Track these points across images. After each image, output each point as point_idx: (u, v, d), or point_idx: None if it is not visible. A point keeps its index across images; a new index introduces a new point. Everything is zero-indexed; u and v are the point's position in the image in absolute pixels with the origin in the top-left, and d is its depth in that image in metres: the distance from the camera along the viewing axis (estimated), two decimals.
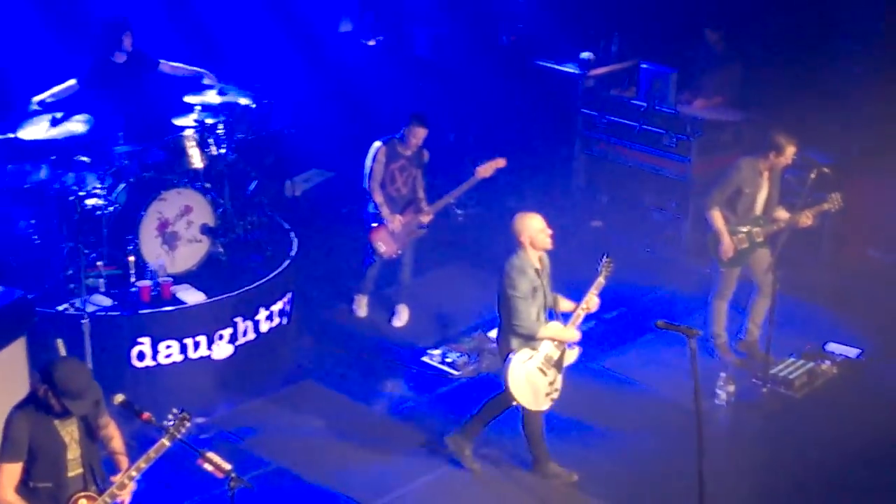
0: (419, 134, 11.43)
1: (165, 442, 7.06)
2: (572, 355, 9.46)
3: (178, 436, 7.07)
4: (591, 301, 9.48)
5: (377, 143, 11.52)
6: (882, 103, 13.15)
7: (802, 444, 10.23)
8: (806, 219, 10.96)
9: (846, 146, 13.10)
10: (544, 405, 9.43)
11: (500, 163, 11.64)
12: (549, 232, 9.34)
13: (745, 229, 11.01)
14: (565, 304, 9.57)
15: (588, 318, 11.81)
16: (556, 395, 9.41)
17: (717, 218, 10.97)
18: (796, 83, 13.32)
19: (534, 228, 9.27)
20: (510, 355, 9.26)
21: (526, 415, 9.52)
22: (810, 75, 13.44)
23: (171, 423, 7.07)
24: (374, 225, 11.65)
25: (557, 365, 9.36)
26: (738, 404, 10.73)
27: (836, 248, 13.05)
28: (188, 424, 7.11)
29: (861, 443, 10.20)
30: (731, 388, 10.72)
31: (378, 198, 11.54)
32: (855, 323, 12.00)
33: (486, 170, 11.59)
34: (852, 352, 11.45)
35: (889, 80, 13.18)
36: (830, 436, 10.32)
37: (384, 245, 11.67)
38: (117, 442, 7.42)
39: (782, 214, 11.06)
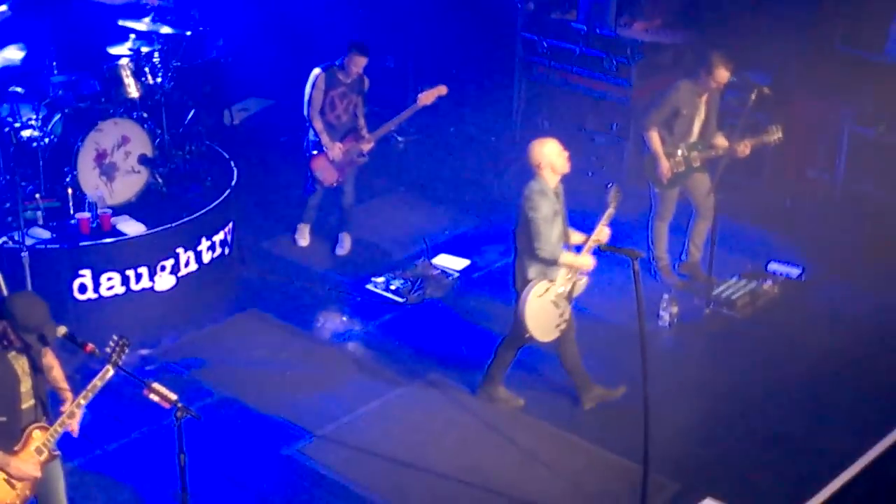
0: (359, 62, 11.34)
1: (110, 369, 7.03)
2: (581, 285, 9.43)
3: (121, 362, 7.04)
4: (602, 232, 9.45)
5: (316, 70, 11.41)
6: (820, 23, 13.17)
7: (745, 364, 10.34)
8: (744, 148, 10.99)
9: (786, 67, 13.11)
10: (553, 336, 9.44)
11: (442, 90, 11.59)
12: (567, 154, 9.27)
13: (681, 152, 11.03)
14: (576, 237, 9.50)
15: None
16: (564, 326, 9.42)
17: (654, 139, 10.99)
18: (735, 3, 13.30)
19: (552, 153, 9.17)
20: (528, 288, 9.22)
21: (516, 341, 9.55)
22: None
23: (113, 349, 7.03)
24: (315, 153, 11.57)
25: (569, 297, 9.36)
26: (682, 325, 10.82)
27: (776, 169, 13.12)
28: (128, 349, 7.09)
29: (802, 362, 10.33)
30: (675, 309, 10.80)
31: (318, 125, 11.45)
32: (796, 243, 12.12)
33: (427, 97, 11.53)
34: (794, 271, 11.56)
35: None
36: (772, 355, 10.44)
37: (324, 173, 11.59)
38: (57, 371, 7.37)
39: (721, 141, 11.09)
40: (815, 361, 10.33)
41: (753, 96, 11.07)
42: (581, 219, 12.30)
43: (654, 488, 8.32)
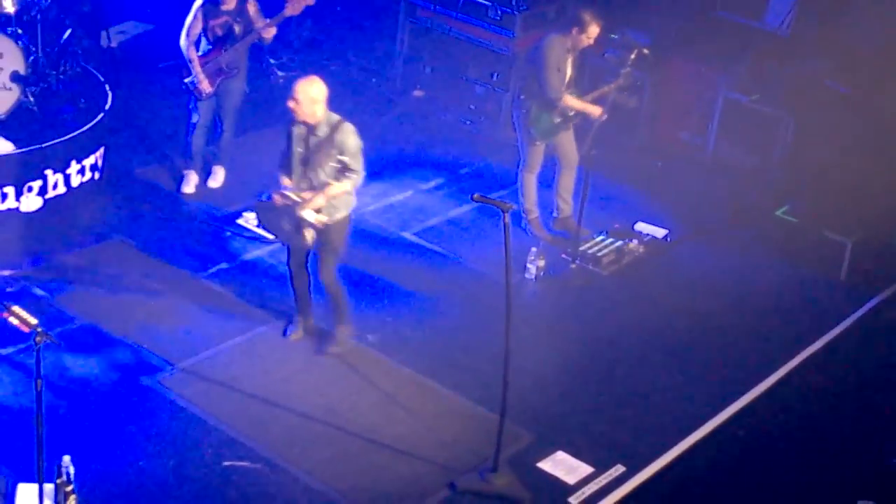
0: None
1: None
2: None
3: None
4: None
5: (198, 2, 11.26)
6: None
7: (607, 321, 10.53)
8: (595, 110, 11.12)
9: (666, 29, 13.27)
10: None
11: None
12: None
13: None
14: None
15: (403, 188, 12.03)
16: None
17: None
18: None
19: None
20: None
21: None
22: None
23: None
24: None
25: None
26: (548, 279, 10.96)
27: (650, 130, 13.31)
28: None
29: (663, 321, 10.55)
30: (542, 262, 10.93)
31: (191, 54, 11.32)
32: (665, 204, 12.31)
33: (293, 6, 11.25)
34: (660, 232, 11.75)
35: None
36: (634, 313, 10.65)
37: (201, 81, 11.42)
38: None
39: (574, 103, 11.15)
40: (675, 321, 10.56)
41: (633, 56, 11.22)
42: (451, 165, 12.46)
43: (509, 437, 8.49)
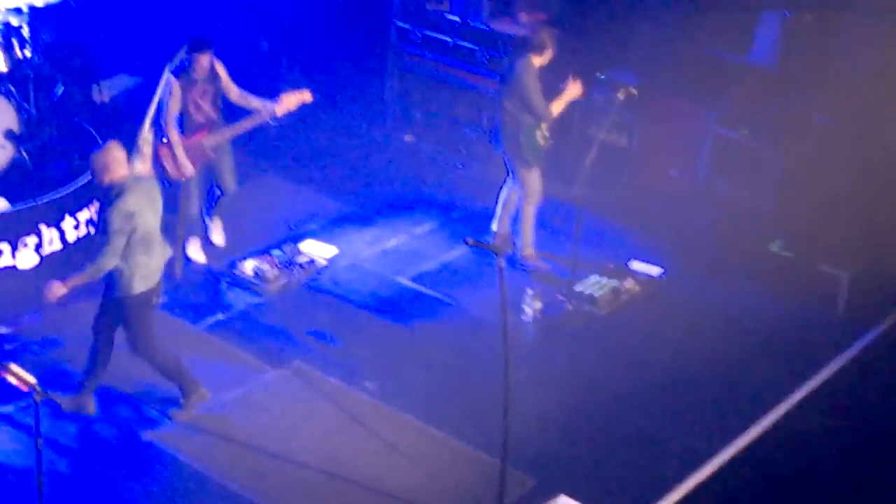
0: (203, 60, 10.78)
1: None
2: None
3: None
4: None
5: (170, 77, 10.82)
6: (688, 25, 13.40)
7: (605, 361, 10.51)
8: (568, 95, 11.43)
9: (652, 68, 13.33)
10: None
11: (306, 96, 11.18)
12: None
13: (543, 129, 11.38)
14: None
15: (396, 233, 12.04)
16: None
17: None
18: (603, 2, 13.49)
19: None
20: None
21: None
22: None
23: None
24: (164, 140, 10.95)
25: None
26: (544, 320, 10.96)
27: (640, 168, 13.33)
28: None
29: (661, 360, 10.53)
30: (538, 304, 10.94)
31: (173, 136, 10.83)
32: (657, 242, 12.31)
33: (288, 101, 11.04)
34: (654, 270, 11.76)
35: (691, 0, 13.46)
36: (632, 353, 10.63)
37: (169, 165, 10.96)
38: None
39: (557, 108, 11.41)
40: (673, 360, 10.54)
41: (621, 95, 11.29)
42: (443, 208, 12.47)
43: (511, 483, 8.46)
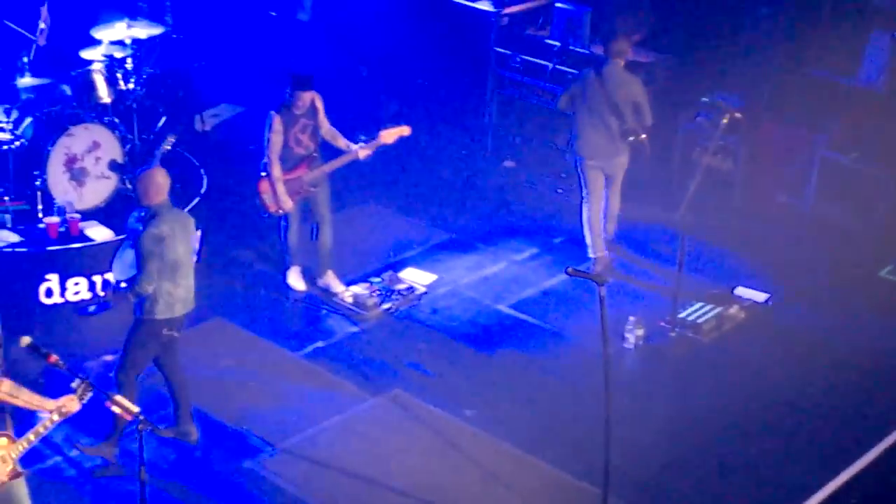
0: (305, 97, 10.86)
1: (74, 406, 7.32)
2: None
3: (85, 399, 7.28)
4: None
5: (272, 113, 10.88)
6: (793, 47, 13.24)
7: (709, 389, 10.34)
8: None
9: (757, 91, 13.17)
10: None
11: (405, 131, 11.24)
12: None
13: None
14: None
15: (497, 259, 11.99)
16: None
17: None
18: (711, 25, 13.36)
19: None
20: None
21: None
22: (721, 17, 13.48)
23: (75, 390, 7.27)
24: (264, 174, 11.07)
25: None
26: (647, 348, 10.82)
27: (746, 193, 13.15)
28: (90, 393, 7.29)
29: (767, 388, 10.33)
30: (640, 331, 10.80)
31: (276, 172, 10.92)
32: (764, 268, 12.11)
33: (388, 136, 11.14)
34: (760, 296, 11.56)
35: (796, 22, 13.27)
36: (737, 380, 10.44)
37: (268, 199, 11.11)
38: (26, 395, 7.38)
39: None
40: (779, 387, 10.34)
41: (725, 120, 11.14)
42: (544, 234, 12.41)
43: None
